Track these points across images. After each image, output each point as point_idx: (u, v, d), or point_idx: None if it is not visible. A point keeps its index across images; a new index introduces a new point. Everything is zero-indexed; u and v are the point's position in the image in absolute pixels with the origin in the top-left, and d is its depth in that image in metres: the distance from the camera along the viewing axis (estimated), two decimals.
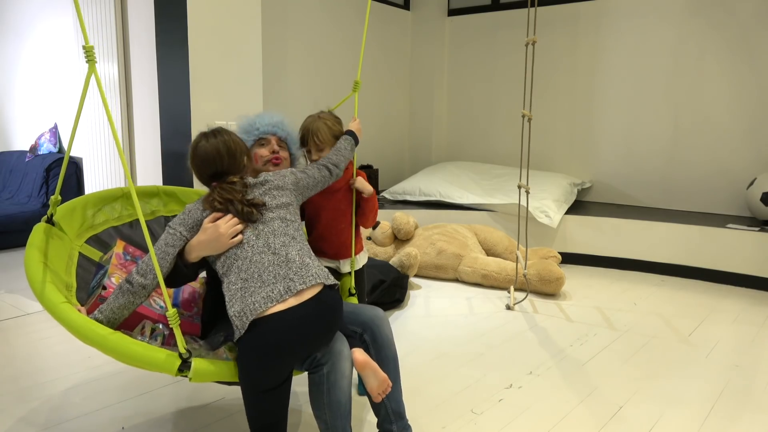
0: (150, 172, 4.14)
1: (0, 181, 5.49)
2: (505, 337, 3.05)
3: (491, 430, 2.11)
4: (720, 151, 4.80)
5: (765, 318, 3.42)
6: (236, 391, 2.35)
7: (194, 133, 3.92)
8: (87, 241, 1.98)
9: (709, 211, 4.87)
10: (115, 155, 4.47)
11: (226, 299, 1.63)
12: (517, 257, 3.81)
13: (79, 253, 1.91)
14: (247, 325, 1.55)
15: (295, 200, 1.83)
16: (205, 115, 3.88)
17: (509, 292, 3.70)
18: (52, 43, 5.23)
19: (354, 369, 1.70)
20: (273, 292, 1.56)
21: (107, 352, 1.53)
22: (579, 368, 2.67)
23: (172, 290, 1.98)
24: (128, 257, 1.95)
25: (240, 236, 1.67)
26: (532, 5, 3.57)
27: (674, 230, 4.31)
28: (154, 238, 1.96)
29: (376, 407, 1.89)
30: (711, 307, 3.62)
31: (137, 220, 2.11)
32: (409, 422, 1.93)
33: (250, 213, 1.69)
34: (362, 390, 2.36)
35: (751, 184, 4.39)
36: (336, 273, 2.27)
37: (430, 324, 3.24)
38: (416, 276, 4.16)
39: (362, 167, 5.40)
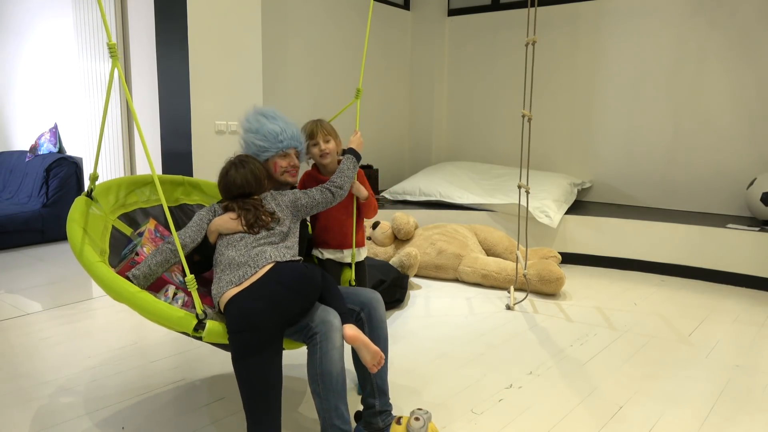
0: (150, 171, 4.13)
1: (0, 181, 5.49)
2: (505, 337, 3.05)
3: (491, 430, 2.11)
4: (720, 151, 4.80)
5: (765, 318, 3.42)
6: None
7: (194, 133, 3.94)
8: (119, 217, 2.20)
9: (709, 211, 4.87)
10: (116, 155, 4.48)
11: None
12: (517, 257, 3.81)
13: (113, 225, 2.14)
14: (220, 307, 1.83)
15: (288, 216, 2.06)
16: (205, 115, 3.88)
17: (509, 292, 3.70)
18: (52, 43, 5.23)
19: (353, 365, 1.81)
20: (233, 277, 1.82)
21: (135, 307, 1.71)
22: (579, 368, 2.67)
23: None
24: (158, 234, 2.17)
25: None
26: (532, 5, 3.57)
27: (674, 230, 4.31)
28: (176, 222, 2.36)
29: (363, 382, 2.01)
30: (711, 307, 3.62)
31: (161, 206, 2.38)
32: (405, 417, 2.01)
33: (260, 223, 1.97)
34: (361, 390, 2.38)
35: (751, 184, 4.39)
36: (339, 264, 2.40)
37: (430, 324, 3.24)
38: (416, 276, 4.16)
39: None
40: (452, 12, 6.14)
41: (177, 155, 3.91)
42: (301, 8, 5.09)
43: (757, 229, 4.09)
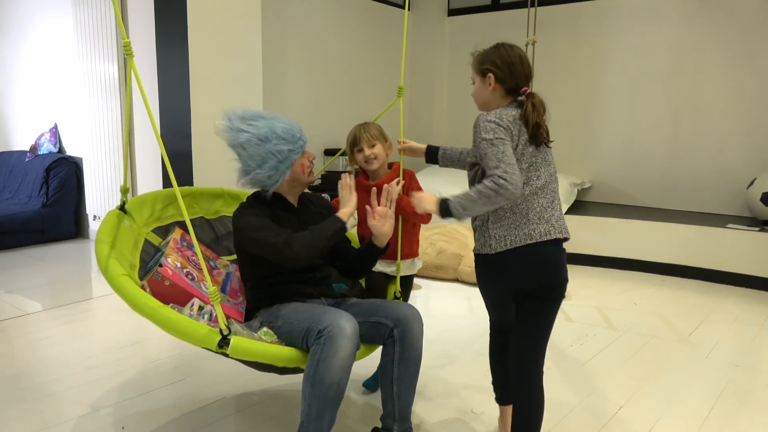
0: (150, 172, 4.14)
1: (0, 181, 5.49)
2: None
3: (491, 430, 2.10)
4: (720, 151, 4.80)
5: (765, 318, 3.42)
6: (236, 391, 2.35)
7: (194, 133, 3.93)
8: (153, 230, 2.17)
9: (709, 211, 4.87)
10: (115, 155, 4.47)
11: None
12: None
13: (145, 239, 2.10)
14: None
15: None
16: (205, 115, 3.88)
17: None
18: (52, 42, 5.23)
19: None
20: None
21: (156, 322, 1.64)
22: (579, 368, 2.67)
23: (221, 278, 2.12)
24: (184, 243, 2.10)
25: None
26: (532, 5, 3.57)
27: (674, 230, 4.31)
28: (215, 236, 2.35)
29: (385, 400, 1.88)
30: (711, 307, 3.62)
31: (199, 218, 2.36)
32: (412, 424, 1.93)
33: None
34: (369, 383, 2.37)
35: (751, 184, 4.39)
36: (386, 277, 2.26)
37: (430, 324, 3.23)
38: (416, 276, 4.16)
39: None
40: (452, 12, 6.14)
41: (177, 155, 3.91)
42: (301, 8, 5.09)
43: (757, 229, 4.09)
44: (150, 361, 2.65)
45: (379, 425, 1.93)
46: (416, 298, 3.69)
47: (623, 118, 5.22)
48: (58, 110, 5.32)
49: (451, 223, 4.47)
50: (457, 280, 4.11)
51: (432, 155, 2.27)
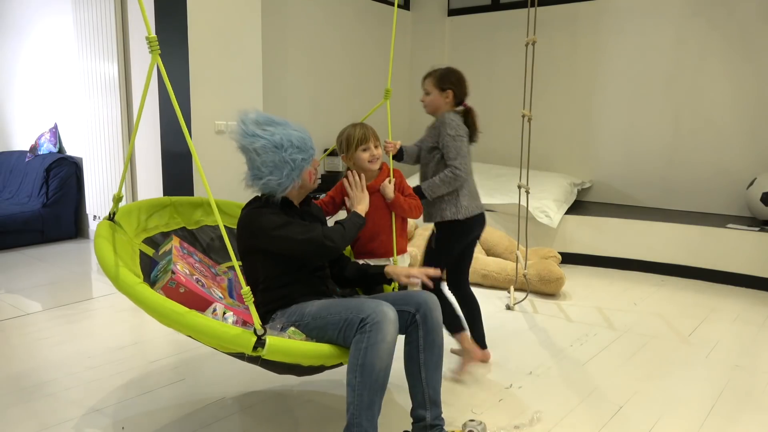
0: (150, 172, 4.14)
1: (0, 181, 5.49)
2: (505, 337, 3.05)
3: (491, 430, 2.10)
4: (720, 151, 4.80)
5: (765, 318, 3.42)
6: (236, 391, 2.35)
7: (194, 133, 3.93)
8: (143, 241, 2.13)
9: (709, 211, 4.87)
10: (115, 155, 4.47)
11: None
12: (517, 257, 3.81)
13: (140, 249, 2.06)
14: None
15: None
16: (205, 115, 3.88)
17: (509, 292, 3.70)
18: (52, 42, 5.23)
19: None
20: None
21: (183, 328, 1.58)
22: (579, 368, 2.67)
23: (225, 284, 2.13)
24: (185, 251, 2.08)
25: None
26: (532, 5, 3.57)
27: (674, 230, 4.31)
28: (199, 245, 2.33)
29: (413, 390, 1.87)
30: (711, 307, 3.62)
31: (182, 228, 2.32)
32: (400, 418, 1.98)
33: None
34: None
35: (751, 184, 4.39)
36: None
37: None
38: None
39: None
40: (452, 12, 6.14)
41: (177, 155, 3.91)
42: (301, 8, 5.09)
43: (757, 229, 4.09)
44: (150, 361, 2.65)
45: (409, 428, 1.90)
46: None
47: (623, 117, 5.22)
48: (58, 110, 5.32)
49: None
50: None
51: (399, 154, 2.60)
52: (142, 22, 4.02)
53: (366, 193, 2.18)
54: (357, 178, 2.19)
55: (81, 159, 5.06)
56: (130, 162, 4.32)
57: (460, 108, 2.56)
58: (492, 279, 3.92)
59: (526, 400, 2.34)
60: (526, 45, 3.53)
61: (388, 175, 2.34)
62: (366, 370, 1.63)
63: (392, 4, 6.06)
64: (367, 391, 1.64)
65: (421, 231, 4.33)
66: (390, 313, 1.70)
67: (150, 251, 2.10)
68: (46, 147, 5.29)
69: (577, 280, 4.14)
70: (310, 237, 1.86)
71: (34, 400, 2.27)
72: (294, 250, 1.87)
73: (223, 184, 3.27)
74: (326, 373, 1.95)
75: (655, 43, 5.00)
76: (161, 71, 1.60)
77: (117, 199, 1.92)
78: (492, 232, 4.41)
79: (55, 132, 5.30)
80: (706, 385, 2.51)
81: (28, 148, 5.53)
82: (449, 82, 2.53)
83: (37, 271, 4.07)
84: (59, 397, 2.29)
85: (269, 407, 2.25)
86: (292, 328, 1.82)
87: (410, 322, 1.87)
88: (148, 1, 3.94)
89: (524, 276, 3.73)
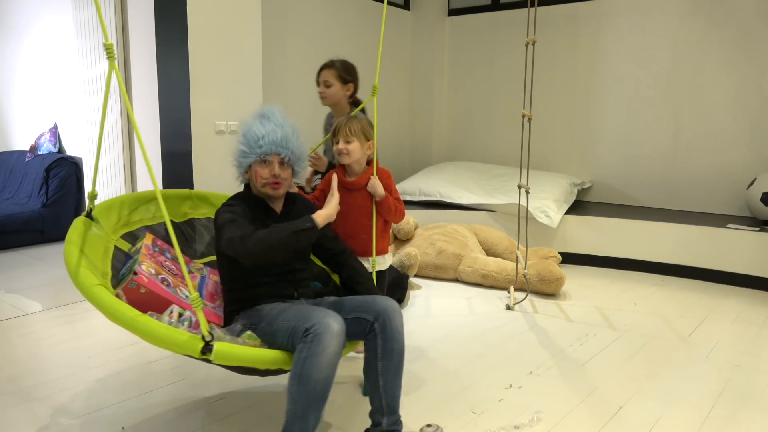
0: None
1: (0, 181, 5.49)
2: (505, 337, 3.05)
3: (492, 430, 2.10)
4: (720, 151, 4.80)
5: (765, 318, 3.42)
6: (236, 391, 2.35)
7: (194, 133, 3.94)
8: (122, 237, 2.11)
9: (709, 211, 4.87)
10: (116, 155, 4.47)
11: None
12: (517, 257, 3.81)
13: (115, 246, 2.04)
14: None
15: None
16: (205, 115, 3.88)
17: (509, 292, 3.70)
18: (52, 42, 5.23)
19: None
20: None
21: (134, 332, 1.59)
22: (579, 368, 2.67)
23: (197, 282, 2.11)
24: (156, 249, 2.06)
25: None
26: (532, 5, 3.57)
27: (674, 230, 4.31)
28: (185, 239, 2.29)
29: (372, 396, 1.90)
30: (711, 307, 3.62)
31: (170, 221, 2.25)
32: (402, 419, 1.95)
33: None
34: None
35: (751, 184, 4.39)
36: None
37: (430, 324, 3.24)
38: (416, 276, 4.16)
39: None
40: (452, 12, 6.14)
41: (177, 155, 3.91)
42: (301, 8, 5.09)
43: (757, 229, 4.09)
44: (150, 361, 2.65)
45: (369, 423, 1.94)
46: (416, 298, 3.70)
47: (623, 118, 5.22)
48: (58, 110, 5.32)
49: (451, 224, 4.47)
50: (457, 280, 4.11)
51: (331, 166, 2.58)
52: (142, 22, 4.02)
53: (336, 196, 1.99)
54: (334, 178, 2.09)
55: (81, 159, 5.06)
56: (129, 161, 4.32)
57: (350, 101, 2.62)
58: (492, 279, 3.92)
59: (526, 400, 2.34)
60: (526, 45, 3.53)
61: (372, 173, 2.29)
62: (303, 380, 1.63)
63: (393, 4, 6.06)
64: (303, 401, 1.64)
65: (421, 231, 4.34)
66: (333, 326, 1.66)
67: (127, 246, 2.08)
68: (46, 147, 5.29)
69: (577, 280, 4.14)
70: (230, 237, 1.78)
71: (34, 399, 2.27)
72: (225, 250, 1.83)
73: (223, 185, 3.28)
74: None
75: (655, 43, 5.00)
76: (118, 80, 1.61)
77: (92, 196, 1.91)
78: (492, 232, 4.41)
79: (55, 132, 5.31)
80: (706, 385, 2.51)
81: (28, 148, 5.53)
82: (351, 74, 2.54)
83: (37, 271, 4.07)
84: (59, 397, 2.29)
85: (269, 407, 2.25)
86: (248, 332, 1.81)
87: (369, 330, 1.86)
88: (147, 1, 3.94)
89: (524, 276, 3.73)
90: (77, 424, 2.10)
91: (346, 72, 2.48)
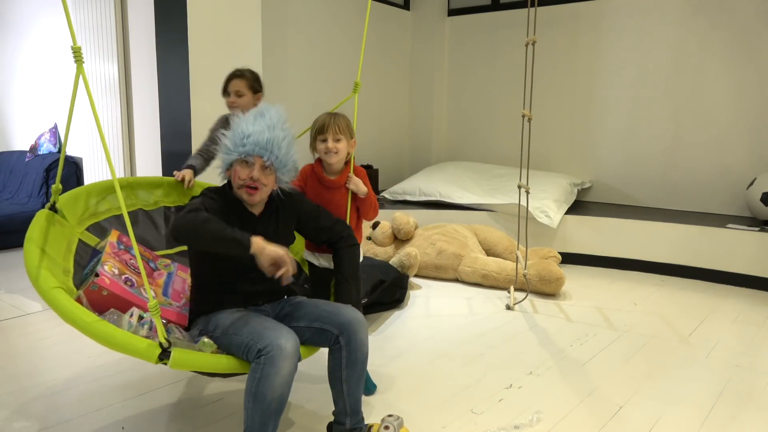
0: (150, 172, 4.14)
1: (0, 181, 5.49)
2: (505, 337, 3.05)
3: (492, 430, 2.10)
4: (720, 151, 4.80)
5: (765, 318, 3.42)
6: (236, 390, 2.35)
7: (194, 133, 3.93)
8: (88, 228, 2.06)
9: (709, 211, 4.87)
10: (115, 155, 4.47)
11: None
12: (517, 257, 3.81)
13: (79, 239, 1.99)
14: None
15: None
16: (205, 115, 3.87)
17: (509, 292, 3.70)
18: (52, 42, 5.23)
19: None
20: None
21: (92, 337, 1.57)
22: (579, 368, 2.67)
23: (163, 279, 2.07)
24: (122, 246, 2.01)
25: None
26: (532, 5, 3.57)
27: (674, 230, 4.31)
28: (155, 227, 2.25)
29: (335, 399, 1.95)
30: (711, 307, 3.62)
31: (139, 210, 2.25)
32: (403, 418, 2.00)
33: None
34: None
35: (751, 184, 4.39)
36: (329, 271, 2.28)
37: (430, 324, 3.24)
38: (416, 276, 4.16)
39: (363, 166, 5.39)
40: (452, 12, 6.14)
41: (177, 155, 3.91)
42: (301, 7, 5.09)
43: (757, 229, 4.09)
44: None
45: (332, 418, 1.99)
46: (416, 298, 3.70)
47: (623, 117, 5.22)
48: (57, 110, 5.32)
49: (451, 224, 4.47)
50: (456, 280, 4.11)
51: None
52: (142, 22, 4.02)
53: (293, 263, 1.75)
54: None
55: (81, 159, 5.05)
56: (129, 158, 4.32)
57: None
58: (492, 279, 3.92)
59: (526, 400, 2.34)
60: (526, 45, 3.53)
61: (350, 172, 2.27)
62: (258, 397, 1.64)
63: (393, 4, 6.06)
64: (258, 415, 1.66)
65: (421, 231, 4.34)
66: (287, 348, 1.65)
67: (93, 240, 2.03)
68: (46, 147, 5.29)
69: (577, 280, 4.14)
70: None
71: (34, 400, 2.27)
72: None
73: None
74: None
75: (655, 43, 5.00)
76: (84, 82, 1.60)
77: (56, 190, 1.87)
78: (492, 232, 4.41)
79: (55, 132, 5.30)
80: (706, 385, 2.51)
81: (28, 148, 5.53)
82: (260, 84, 2.54)
83: None
84: (59, 397, 2.29)
85: None
86: (206, 338, 1.79)
87: (333, 342, 1.87)
88: (147, 1, 3.94)
89: (524, 276, 3.73)
90: (77, 424, 2.10)
91: (256, 82, 2.51)
